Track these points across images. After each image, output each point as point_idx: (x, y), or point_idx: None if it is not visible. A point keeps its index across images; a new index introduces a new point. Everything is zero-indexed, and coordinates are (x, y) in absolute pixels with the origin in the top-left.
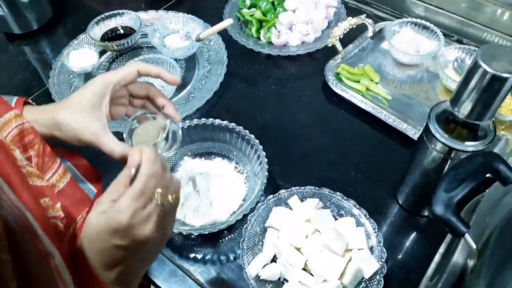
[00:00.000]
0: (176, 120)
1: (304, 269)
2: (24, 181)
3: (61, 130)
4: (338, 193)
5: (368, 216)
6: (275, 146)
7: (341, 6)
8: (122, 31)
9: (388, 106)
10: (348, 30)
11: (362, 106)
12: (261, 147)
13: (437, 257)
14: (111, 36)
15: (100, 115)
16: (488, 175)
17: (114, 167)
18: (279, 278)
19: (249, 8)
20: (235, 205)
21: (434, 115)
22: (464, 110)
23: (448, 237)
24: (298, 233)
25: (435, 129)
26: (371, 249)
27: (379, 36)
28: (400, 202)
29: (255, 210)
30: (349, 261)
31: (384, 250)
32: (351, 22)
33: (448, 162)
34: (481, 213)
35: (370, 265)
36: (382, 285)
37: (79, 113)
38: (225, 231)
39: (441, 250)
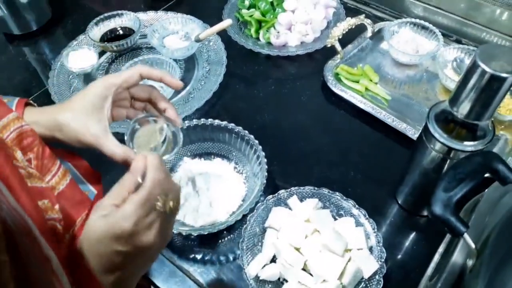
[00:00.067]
0: (177, 124)
1: (303, 269)
2: (23, 183)
3: (62, 131)
4: (337, 193)
5: (367, 216)
6: (274, 146)
7: (340, 6)
8: (121, 32)
9: (387, 106)
10: (347, 30)
11: (362, 106)
12: (260, 147)
13: (436, 257)
14: (110, 36)
15: (102, 117)
16: (487, 174)
17: (114, 168)
18: (279, 278)
19: (248, 8)
20: (235, 206)
21: (433, 115)
22: (463, 110)
23: (448, 237)
24: (297, 233)
25: (434, 129)
26: (371, 249)
27: (378, 36)
28: (399, 202)
29: (255, 211)
30: (349, 261)
31: (384, 250)
32: (350, 22)
33: (447, 162)
34: (480, 213)
35: (369, 265)
36: (381, 285)
37: (81, 115)
38: (225, 232)
39: (441, 250)
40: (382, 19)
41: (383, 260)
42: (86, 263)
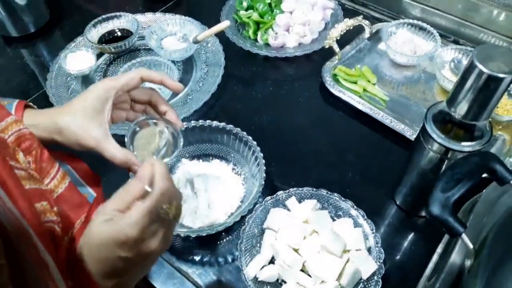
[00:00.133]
0: (177, 127)
1: (302, 270)
2: (20, 186)
3: (62, 134)
4: (335, 194)
5: (365, 217)
6: (272, 147)
7: (338, 7)
8: (119, 34)
9: (385, 107)
10: (345, 31)
11: (360, 107)
12: (258, 148)
13: (434, 257)
14: (108, 38)
15: (102, 120)
16: (484, 175)
17: (113, 171)
18: (277, 280)
19: (246, 10)
20: (233, 207)
21: (431, 116)
22: (460, 110)
23: (446, 237)
24: (296, 234)
25: (432, 130)
26: (369, 250)
27: (376, 37)
28: (397, 203)
29: (253, 212)
30: (347, 262)
31: (382, 250)
32: (348, 23)
33: (445, 163)
34: (478, 213)
35: (368, 265)
36: (380, 286)
37: (81, 118)
38: (223, 233)
39: (439, 250)
40: (380, 20)
41: (381, 260)
42: (85, 267)
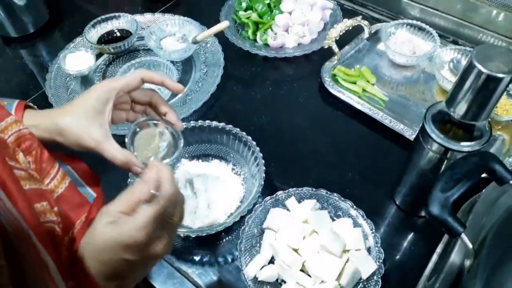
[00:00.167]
0: (177, 128)
1: (301, 270)
2: (19, 186)
3: (63, 135)
4: (335, 194)
5: (365, 217)
6: (272, 147)
7: (337, 8)
8: (118, 34)
9: (384, 107)
10: (344, 31)
11: (359, 107)
12: (258, 148)
13: (434, 257)
14: (107, 39)
15: (103, 121)
16: (484, 175)
17: (112, 171)
18: (277, 280)
19: (245, 10)
20: (233, 207)
21: (430, 116)
22: (459, 110)
23: (445, 237)
24: (295, 234)
25: (431, 130)
26: (369, 249)
27: (375, 37)
28: (397, 203)
29: (253, 212)
30: (347, 262)
31: (382, 250)
32: (347, 23)
33: (444, 163)
34: (478, 213)
35: (367, 265)
36: (379, 286)
37: (82, 119)
38: (223, 233)
39: (438, 250)
40: (379, 20)
41: (381, 260)
42: (85, 267)
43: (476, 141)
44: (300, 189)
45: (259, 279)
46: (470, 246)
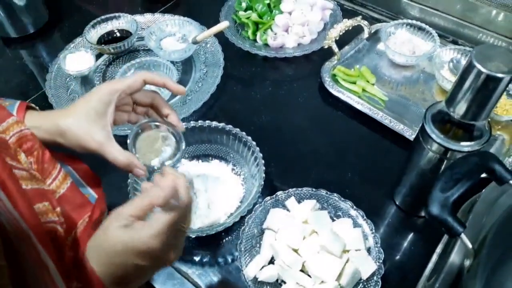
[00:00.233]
0: (179, 130)
1: (301, 270)
2: (19, 188)
3: (65, 137)
4: (335, 194)
5: (365, 217)
6: (272, 147)
7: (337, 8)
8: (118, 34)
9: (384, 107)
10: (344, 31)
11: (359, 107)
12: (258, 148)
13: (434, 257)
14: (107, 39)
15: (105, 123)
16: (484, 175)
17: (113, 171)
18: (277, 280)
19: (245, 10)
20: (233, 207)
21: (430, 116)
22: (459, 110)
23: (445, 237)
24: (295, 234)
25: (431, 130)
26: (369, 250)
27: (374, 37)
28: (397, 203)
29: (253, 212)
30: (347, 262)
31: (382, 251)
32: (347, 23)
33: (444, 162)
34: (478, 213)
35: (367, 266)
36: (379, 286)
37: (84, 121)
38: (223, 233)
39: (438, 250)
40: (378, 21)
41: (381, 261)
42: (93, 270)
43: (476, 141)
44: (300, 189)
45: (259, 280)
46: (470, 246)
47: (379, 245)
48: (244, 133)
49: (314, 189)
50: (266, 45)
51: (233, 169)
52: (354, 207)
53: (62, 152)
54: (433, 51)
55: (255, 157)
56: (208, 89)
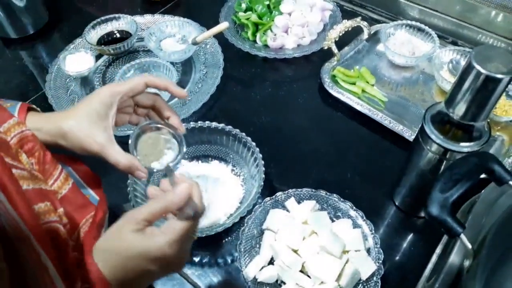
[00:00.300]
0: (180, 132)
1: (301, 271)
2: (19, 189)
3: (66, 139)
4: (334, 195)
5: (364, 218)
6: (271, 148)
7: (336, 9)
8: (118, 35)
9: (384, 108)
10: (343, 32)
11: (358, 108)
12: (257, 149)
13: (434, 258)
14: (107, 40)
15: (107, 125)
16: (483, 175)
17: (113, 172)
18: (277, 280)
19: (245, 11)
20: (232, 208)
21: (429, 117)
22: (458, 111)
23: (445, 237)
24: (295, 235)
25: (431, 130)
26: (368, 250)
27: (374, 38)
28: (396, 203)
29: (252, 213)
30: (346, 262)
31: (381, 251)
32: (346, 24)
33: (444, 163)
34: (477, 214)
35: (367, 266)
36: (379, 287)
37: (85, 123)
38: (222, 234)
39: (438, 251)
40: (378, 21)
41: (380, 261)
42: (101, 272)
43: (475, 142)
44: (299, 190)
45: (258, 280)
46: (470, 246)
47: (378, 245)
48: (243, 134)
49: (313, 190)
50: (265, 46)
51: (232, 170)
52: (354, 207)
53: (62, 153)
54: (432, 52)
55: (254, 158)
56: (208, 90)
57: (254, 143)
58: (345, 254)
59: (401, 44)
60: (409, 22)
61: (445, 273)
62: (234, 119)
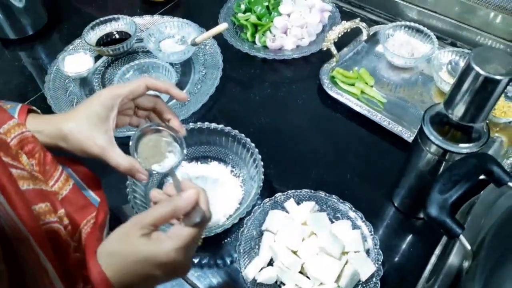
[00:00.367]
0: (181, 134)
1: (300, 272)
2: (18, 190)
3: (67, 141)
4: (334, 196)
5: (364, 219)
6: (271, 149)
7: (335, 10)
8: (117, 36)
9: (383, 109)
10: (342, 33)
11: (357, 109)
12: (257, 150)
13: (433, 259)
14: (106, 41)
15: (107, 128)
16: (482, 176)
17: (113, 173)
18: (276, 282)
19: (244, 12)
20: (232, 209)
21: (428, 118)
22: (457, 112)
23: (444, 239)
24: (294, 236)
25: (430, 132)
26: (368, 251)
27: (373, 39)
28: (395, 205)
29: (252, 214)
30: (346, 264)
31: (381, 252)
32: (345, 26)
33: (443, 164)
34: (476, 215)
35: (366, 267)
36: None
37: (86, 126)
38: (222, 235)
39: (437, 252)
40: (377, 23)
41: (380, 262)
42: (100, 272)
43: (474, 143)
44: (299, 191)
45: (258, 281)
46: (469, 247)
47: (378, 246)
48: (243, 134)
49: (313, 191)
50: (265, 47)
51: (232, 171)
52: (353, 208)
53: (63, 155)
54: (431, 53)
55: (254, 159)
56: (207, 91)
57: (253, 144)
58: (345, 255)
59: (400, 45)
60: (408, 23)
61: (444, 274)
62: (233, 120)
